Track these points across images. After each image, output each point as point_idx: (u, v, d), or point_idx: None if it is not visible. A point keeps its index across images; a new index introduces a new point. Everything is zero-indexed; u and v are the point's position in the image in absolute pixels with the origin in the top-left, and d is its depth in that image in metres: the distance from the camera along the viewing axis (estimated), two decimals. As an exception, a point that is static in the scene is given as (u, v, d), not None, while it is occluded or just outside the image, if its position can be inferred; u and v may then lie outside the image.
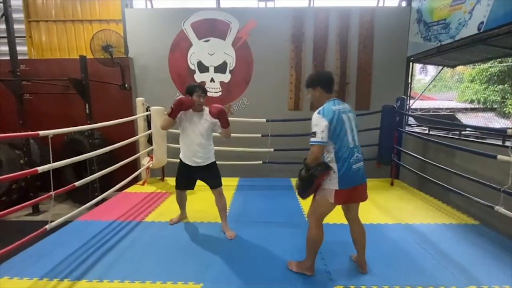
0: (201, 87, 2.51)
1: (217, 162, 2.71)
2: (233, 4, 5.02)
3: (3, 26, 3.99)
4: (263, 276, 2.03)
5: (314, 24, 4.77)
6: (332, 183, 1.81)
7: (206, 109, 2.55)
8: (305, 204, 2.72)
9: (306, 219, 2.02)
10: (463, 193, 2.97)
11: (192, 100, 2.44)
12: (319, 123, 1.75)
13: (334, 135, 1.78)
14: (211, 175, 2.64)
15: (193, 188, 2.75)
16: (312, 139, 1.76)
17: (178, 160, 2.67)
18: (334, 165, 1.80)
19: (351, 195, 1.86)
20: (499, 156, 2.49)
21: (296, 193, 2.01)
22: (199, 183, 2.74)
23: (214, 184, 2.65)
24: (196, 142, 2.51)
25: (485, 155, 2.73)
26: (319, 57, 4.85)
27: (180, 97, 2.45)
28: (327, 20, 4.76)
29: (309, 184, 1.82)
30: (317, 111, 1.82)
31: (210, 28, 4.83)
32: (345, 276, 2.03)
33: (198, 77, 4.95)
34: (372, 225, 2.88)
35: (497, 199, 2.49)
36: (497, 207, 2.49)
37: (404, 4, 4.87)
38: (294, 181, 2.26)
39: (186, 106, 2.41)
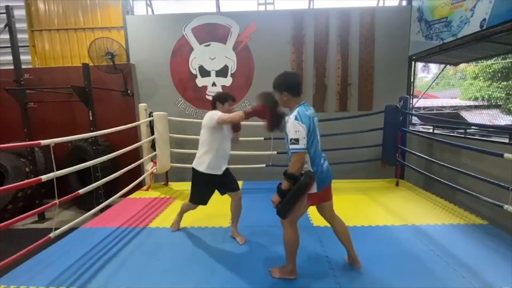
0: (232, 96, 2.52)
1: None
2: (233, 8, 5.04)
3: (7, 36, 4.04)
4: (269, 280, 2.01)
5: (315, 25, 4.77)
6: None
7: None
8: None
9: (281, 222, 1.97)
10: (471, 192, 2.93)
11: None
12: (299, 129, 1.70)
13: (309, 141, 1.77)
14: (231, 178, 2.59)
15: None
16: (295, 146, 1.69)
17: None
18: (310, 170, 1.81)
19: (323, 194, 1.90)
20: (506, 155, 2.46)
21: (276, 212, 1.81)
22: None
23: (236, 186, 2.59)
24: (229, 150, 2.52)
25: (492, 153, 2.70)
26: (320, 58, 4.84)
27: (262, 105, 2.08)
28: (327, 22, 4.76)
29: (299, 196, 1.74)
30: (293, 116, 1.75)
31: (210, 32, 4.85)
32: (352, 279, 2.00)
33: (200, 81, 4.97)
34: (378, 227, 2.84)
35: (505, 198, 2.46)
36: (506, 206, 2.45)
37: (404, 3, 4.85)
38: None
39: (262, 116, 2.11)
